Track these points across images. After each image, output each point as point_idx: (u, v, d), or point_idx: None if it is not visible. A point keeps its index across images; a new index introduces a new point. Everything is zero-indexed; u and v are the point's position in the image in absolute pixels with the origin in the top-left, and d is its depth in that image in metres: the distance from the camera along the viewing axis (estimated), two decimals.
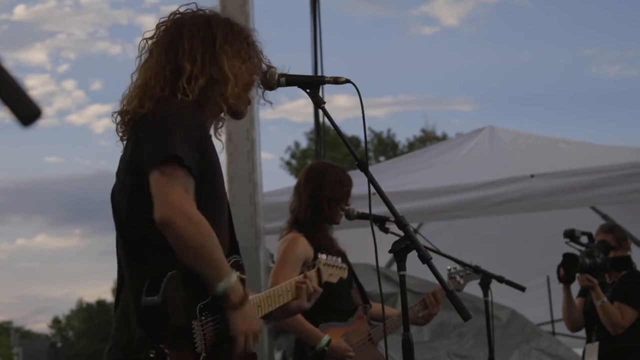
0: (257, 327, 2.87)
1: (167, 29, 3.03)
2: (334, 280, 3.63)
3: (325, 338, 4.43)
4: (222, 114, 3.06)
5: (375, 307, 4.74)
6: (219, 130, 3.15)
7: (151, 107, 2.88)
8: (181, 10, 3.07)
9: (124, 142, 3.00)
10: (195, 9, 3.09)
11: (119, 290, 2.97)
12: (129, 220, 2.91)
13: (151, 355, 2.68)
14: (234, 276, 2.81)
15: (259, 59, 3.11)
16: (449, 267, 4.92)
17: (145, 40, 3.06)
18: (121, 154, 3.00)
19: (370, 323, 4.72)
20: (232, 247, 3.04)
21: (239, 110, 3.08)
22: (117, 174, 2.98)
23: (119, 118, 2.99)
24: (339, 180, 4.67)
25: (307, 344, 4.49)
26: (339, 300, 4.56)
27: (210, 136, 2.99)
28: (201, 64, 2.95)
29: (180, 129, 2.80)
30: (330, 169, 4.78)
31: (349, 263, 4.74)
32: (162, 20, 3.06)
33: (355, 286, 4.80)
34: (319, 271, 3.49)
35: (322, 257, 3.58)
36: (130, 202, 2.89)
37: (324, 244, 4.58)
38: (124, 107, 2.97)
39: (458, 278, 4.93)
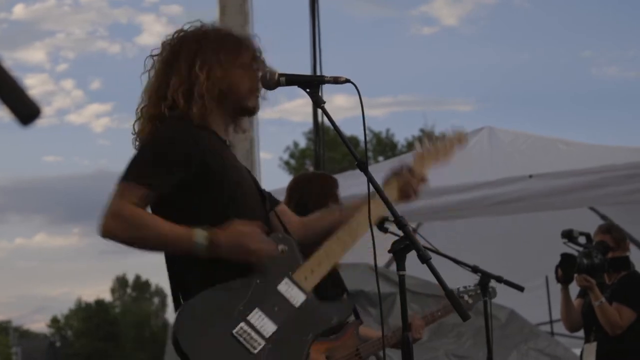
0: (241, 236, 2.87)
1: (170, 47, 3.14)
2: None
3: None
4: (236, 115, 3.18)
5: (363, 330, 4.72)
6: (241, 127, 3.25)
7: (147, 130, 3.08)
8: (185, 27, 3.18)
9: None
10: (198, 26, 3.19)
11: None
12: None
13: None
14: (199, 232, 2.84)
15: (258, 65, 3.18)
16: (457, 287, 4.91)
17: (151, 57, 3.18)
18: None
19: (360, 339, 4.67)
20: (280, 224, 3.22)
21: (249, 108, 3.18)
22: None
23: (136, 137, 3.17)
24: (319, 190, 4.67)
25: None
26: None
27: (211, 150, 3.04)
28: (206, 77, 3.04)
29: (151, 156, 2.98)
30: (312, 180, 4.80)
31: (340, 279, 4.74)
32: (167, 38, 3.17)
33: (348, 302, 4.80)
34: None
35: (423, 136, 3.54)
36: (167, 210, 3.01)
37: None
38: (135, 130, 3.15)
39: (466, 297, 4.93)
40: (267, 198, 3.27)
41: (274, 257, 2.97)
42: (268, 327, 2.87)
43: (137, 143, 3.10)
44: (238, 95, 3.11)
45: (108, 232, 2.85)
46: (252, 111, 3.22)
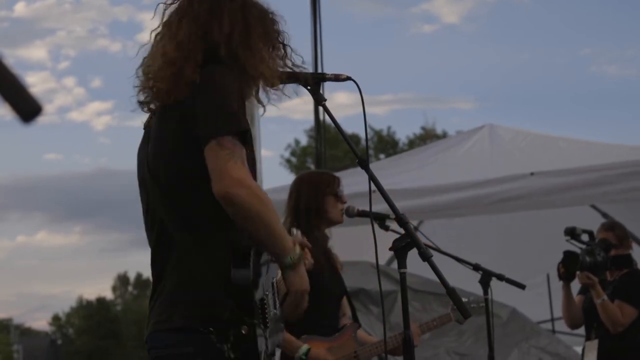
0: (308, 288, 2.89)
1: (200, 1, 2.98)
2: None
3: (304, 347, 4.40)
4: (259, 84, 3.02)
5: (360, 334, 4.73)
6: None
7: (196, 75, 2.84)
8: None
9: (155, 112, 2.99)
10: None
11: (156, 262, 2.95)
12: (185, 194, 2.86)
13: (243, 332, 2.74)
14: (298, 245, 2.83)
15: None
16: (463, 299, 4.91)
17: (166, 5, 3.02)
18: (154, 125, 2.97)
19: (358, 342, 4.67)
20: None
21: (274, 80, 3.00)
22: (155, 146, 2.94)
23: (151, 83, 2.95)
24: (309, 190, 4.66)
25: (286, 354, 4.45)
26: (325, 313, 4.55)
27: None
28: (239, 38, 2.91)
29: (236, 99, 2.79)
30: (306, 178, 4.79)
31: (342, 280, 4.75)
32: None
33: (347, 305, 4.80)
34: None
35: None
36: (186, 175, 2.84)
37: (317, 256, 4.57)
38: (156, 74, 2.92)
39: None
40: None
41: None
42: (272, 310, 2.94)
43: (194, 88, 2.82)
44: (267, 66, 2.95)
45: (232, 200, 2.67)
46: (272, 83, 3.03)
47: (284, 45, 3.05)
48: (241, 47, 2.91)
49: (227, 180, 2.67)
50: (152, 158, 2.93)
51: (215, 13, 2.94)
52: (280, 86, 3.06)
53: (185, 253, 2.84)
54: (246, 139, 2.77)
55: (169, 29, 2.96)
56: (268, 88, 3.01)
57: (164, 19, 3.01)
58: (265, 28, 2.99)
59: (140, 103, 3.02)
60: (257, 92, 3.01)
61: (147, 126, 3.04)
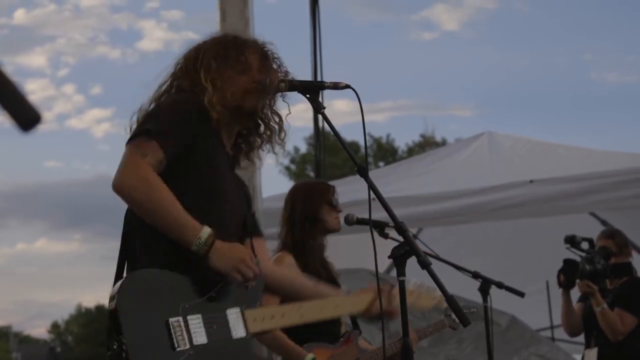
0: (242, 256, 2.89)
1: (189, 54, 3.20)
2: (418, 307, 3.88)
3: (309, 356, 4.39)
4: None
5: (361, 342, 4.72)
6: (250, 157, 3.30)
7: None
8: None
9: None
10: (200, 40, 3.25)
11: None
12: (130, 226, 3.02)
13: (114, 346, 2.74)
14: (206, 230, 2.83)
15: (263, 65, 3.19)
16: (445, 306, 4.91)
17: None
18: None
19: (359, 348, 4.67)
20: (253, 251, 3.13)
21: (250, 109, 3.16)
22: None
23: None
24: (304, 201, 4.66)
25: None
26: (325, 323, 4.54)
27: (209, 133, 3.04)
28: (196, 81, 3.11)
29: (165, 113, 2.95)
30: (300, 188, 4.80)
31: (339, 288, 4.74)
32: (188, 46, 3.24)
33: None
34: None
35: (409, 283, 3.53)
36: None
37: (314, 265, 4.56)
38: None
39: (454, 316, 4.93)
40: (248, 225, 3.25)
41: (242, 285, 2.97)
42: (200, 337, 2.83)
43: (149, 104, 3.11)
44: (224, 97, 3.09)
45: (122, 188, 2.79)
46: (248, 112, 3.19)
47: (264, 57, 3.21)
48: (204, 73, 3.11)
49: (119, 172, 2.81)
50: None
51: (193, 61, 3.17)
52: (280, 94, 3.11)
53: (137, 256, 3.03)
54: (163, 142, 2.86)
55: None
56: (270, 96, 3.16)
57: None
58: (227, 54, 3.16)
59: None
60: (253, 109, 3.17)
61: None
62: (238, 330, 2.96)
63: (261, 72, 3.16)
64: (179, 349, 2.76)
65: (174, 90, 3.13)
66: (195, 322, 2.83)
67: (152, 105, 3.06)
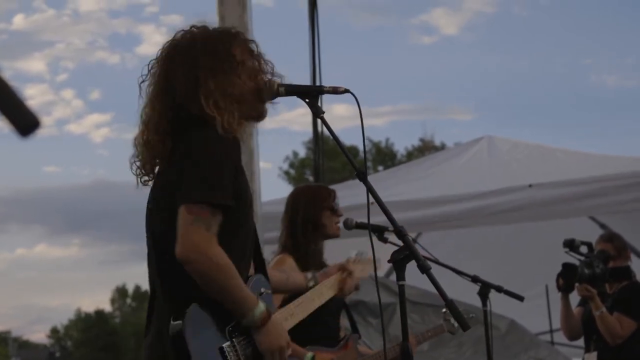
0: (282, 343, 2.97)
1: (165, 58, 3.08)
2: (366, 274, 3.89)
3: (309, 355, 4.40)
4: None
5: (359, 347, 4.72)
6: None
7: (188, 137, 2.96)
8: (178, 36, 3.12)
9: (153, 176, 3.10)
10: (195, 29, 3.13)
11: (151, 305, 3.07)
12: (167, 249, 2.92)
13: None
14: (260, 307, 2.91)
15: (260, 64, 3.14)
16: (444, 310, 4.92)
17: (150, 65, 3.12)
18: (156, 178, 3.09)
19: (358, 352, 4.67)
20: (257, 265, 3.19)
21: (256, 115, 3.14)
22: (155, 198, 3.05)
23: (144, 151, 3.07)
24: (306, 205, 4.66)
25: None
26: (327, 326, 4.54)
27: (242, 168, 3.04)
28: (210, 93, 3.00)
29: (222, 170, 2.90)
30: (302, 192, 4.79)
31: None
32: (163, 47, 3.12)
33: (346, 315, 4.80)
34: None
35: (351, 257, 3.86)
36: (170, 232, 2.91)
37: (313, 269, 4.57)
38: (149, 136, 3.04)
39: (452, 320, 4.94)
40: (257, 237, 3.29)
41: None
42: (248, 354, 2.95)
43: (184, 150, 2.95)
44: (242, 103, 3.05)
45: (188, 263, 2.81)
46: (257, 118, 3.18)
47: (256, 59, 3.14)
48: (215, 85, 3.00)
49: (185, 245, 2.80)
50: (149, 213, 3.08)
51: (169, 76, 3.05)
52: (279, 99, 3.11)
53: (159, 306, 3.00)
54: (222, 206, 2.86)
55: (146, 99, 3.11)
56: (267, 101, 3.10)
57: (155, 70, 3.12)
58: (219, 55, 3.06)
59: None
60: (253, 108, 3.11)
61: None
62: None
63: (262, 75, 3.13)
64: None
65: (194, 124, 2.99)
66: (242, 341, 2.94)
67: (194, 159, 2.91)
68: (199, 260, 2.79)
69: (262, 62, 3.15)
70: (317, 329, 4.26)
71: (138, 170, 3.10)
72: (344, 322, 4.89)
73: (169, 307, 2.90)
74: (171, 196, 2.91)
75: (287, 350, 2.99)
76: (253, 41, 3.20)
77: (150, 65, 3.11)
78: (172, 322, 2.83)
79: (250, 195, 3.06)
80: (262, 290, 3.10)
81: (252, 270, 3.17)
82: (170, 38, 3.13)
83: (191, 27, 3.14)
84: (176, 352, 2.82)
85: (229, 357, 2.87)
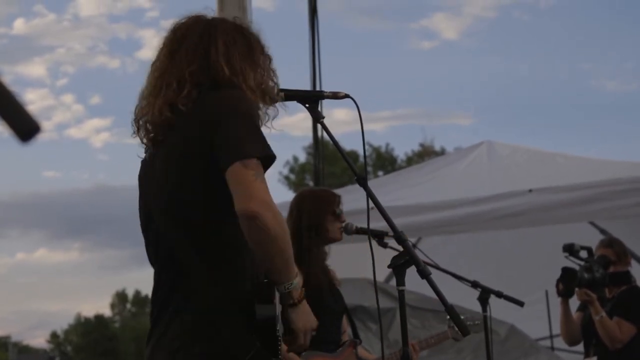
0: (314, 324, 2.92)
1: (192, 28, 2.99)
2: None
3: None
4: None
5: (360, 351, 4.72)
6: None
7: (213, 92, 2.87)
8: (197, 15, 3.05)
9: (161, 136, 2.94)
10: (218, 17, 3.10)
11: (158, 292, 2.92)
12: (202, 220, 2.83)
13: None
14: (299, 279, 2.87)
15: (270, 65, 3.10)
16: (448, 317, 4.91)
17: (171, 33, 3.03)
18: (156, 156, 2.95)
19: (359, 358, 4.67)
20: None
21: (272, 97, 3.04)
22: (163, 170, 2.90)
23: (156, 108, 2.91)
24: (311, 208, 4.66)
25: None
26: (327, 330, 4.54)
27: None
28: (241, 71, 2.93)
29: (259, 125, 2.84)
30: (306, 198, 4.78)
31: (341, 296, 4.74)
32: (181, 21, 3.04)
33: (347, 319, 4.80)
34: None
35: None
36: (203, 199, 2.82)
37: (316, 274, 4.56)
38: (166, 93, 2.91)
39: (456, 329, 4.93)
40: None
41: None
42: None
43: (214, 105, 2.84)
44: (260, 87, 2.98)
45: (262, 221, 2.65)
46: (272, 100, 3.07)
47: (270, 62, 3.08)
48: (240, 66, 2.92)
49: (255, 200, 2.66)
50: (160, 190, 2.92)
51: (206, 37, 2.95)
52: (279, 103, 3.09)
53: (201, 284, 2.81)
54: (268, 165, 2.78)
55: (165, 55, 2.99)
56: (268, 105, 3.03)
57: (161, 49, 3.03)
58: (253, 48, 3.01)
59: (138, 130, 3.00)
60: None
61: (147, 158, 3.03)
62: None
63: (269, 74, 3.08)
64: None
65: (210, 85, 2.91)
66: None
67: (236, 112, 2.80)
68: (267, 216, 2.65)
69: (270, 63, 3.10)
70: (318, 333, 4.24)
71: (143, 124, 2.96)
72: (347, 327, 4.89)
73: (220, 287, 2.78)
74: (199, 155, 2.79)
75: (313, 330, 2.93)
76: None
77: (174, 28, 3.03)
78: (258, 305, 2.75)
79: None
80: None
81: None
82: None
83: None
84: (265, 338, 2.77)
85: (280, 346, 2.86)
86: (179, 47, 2.96)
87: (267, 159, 2.76)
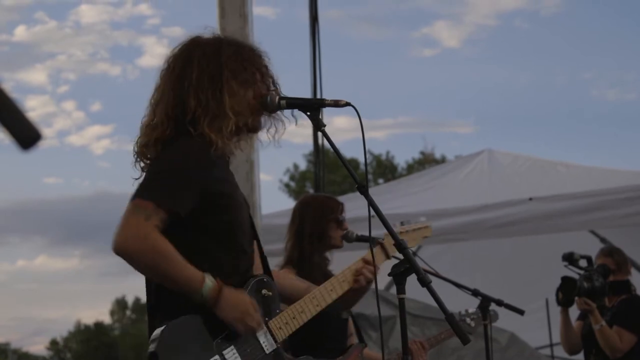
0: (242, 309, 2.91)
1: (177, 58, 3.11)
2: (414, 245, 3.61)
3: None
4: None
5: (367, 352, 4.71)
6: (240, 144, 3.17)
7: (159, 150, 3.02)
8: (192, 37, 3.15)
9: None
10: (208, 36, 3.17)
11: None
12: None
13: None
14: (207, 284, 2.85)
15: (268, 78, 3.16)
16: (459, 311, 4.91)
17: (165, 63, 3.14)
18: None
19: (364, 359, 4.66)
20: (264, 267, 3.20)
21: (254, 128, 3.13)
22: None
23: (137, 156, 3.10)
24: (315, 214, 4.66)
25: None
26: (328, 337, 4.53)
27: (223, 171, 3.06)
28: (205, 102, 3.01)
29: (174, 177, 2.93)
30: (310, 204, 4.78)
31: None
32: (176, 48, 3.14)
33: (353, 325, 4.79)
34: (383, 247, 3.49)
35: (396, 226, 3.53)
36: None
37: (316, 280, 4.56)
38: (139, 147, 3.08)
39: (468, 320, 4.93)
40: (257, 236, 3.26)
41: (258, 296, 3.03)
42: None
43: (148, 160, 3.06)
44: (238, 120, 3.05)
45: (125, 251, 2.79)
46: (253, 130, 3.17)
47: (267, 73, 3.15)
48: (212, 93, 3.02)
49: (119, 236, 2.80)
50: None
51: (186, 69, 3.07)
52: (280, 112, 3.11)
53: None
54: (174, 213, 2.87)
55: (158, 88, 3.13)
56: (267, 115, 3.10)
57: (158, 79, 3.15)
58: (243, 64, 3.09)
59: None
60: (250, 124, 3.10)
61: None
62: (269, 344, 3.03)
63: (264, 85, 3.14)
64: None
65: (178, 119, 3.04)
66: (230, 354, 2.90)
67: (163, 161, 2.99)
68: (130, 244, 2.78)
69: (264, 73, 3.15)
70: (317, 339, 4.24)
71: (138, 149, 3.10)
72: (353, 329, 4.88)
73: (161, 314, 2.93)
74: None
75: (252, 309, 2.92)
76: (257, 51, 3.20)
77: (169, 57, 3.14)
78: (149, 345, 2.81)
79: (233, 191, 3.06)
80: (264, 292, 3.07)
81: (259, 271, 3.17)
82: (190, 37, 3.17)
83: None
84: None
85: None
86: (168, 80, 3.10)
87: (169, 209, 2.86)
